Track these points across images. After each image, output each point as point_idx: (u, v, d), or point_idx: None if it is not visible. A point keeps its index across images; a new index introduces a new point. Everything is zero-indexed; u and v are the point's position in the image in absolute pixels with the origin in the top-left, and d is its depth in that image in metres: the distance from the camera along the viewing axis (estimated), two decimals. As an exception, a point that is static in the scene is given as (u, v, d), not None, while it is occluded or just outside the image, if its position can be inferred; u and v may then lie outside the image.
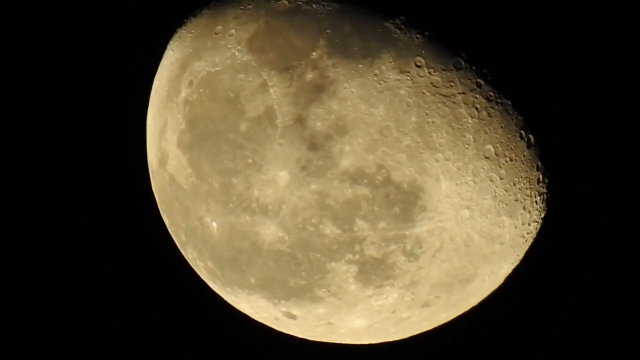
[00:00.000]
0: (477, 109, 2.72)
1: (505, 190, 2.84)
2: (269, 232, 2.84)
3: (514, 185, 2.86)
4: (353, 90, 2.67)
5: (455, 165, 2.72)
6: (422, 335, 3.38)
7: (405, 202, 2.73)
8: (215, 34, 2.92)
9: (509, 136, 2.80)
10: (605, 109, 3.42)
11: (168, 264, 4.31)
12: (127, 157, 4.68)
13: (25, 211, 4.99)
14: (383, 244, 2.79)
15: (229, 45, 2.86)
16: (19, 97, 4.86)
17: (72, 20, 4.79)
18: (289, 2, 2.79)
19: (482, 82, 2.72)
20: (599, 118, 3.25)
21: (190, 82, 2.96)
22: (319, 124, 2.69)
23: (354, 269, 2.84)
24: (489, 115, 2.75)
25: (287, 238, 2.82)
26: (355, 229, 2.76)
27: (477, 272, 3.00)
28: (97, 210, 5.03)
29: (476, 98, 2.72)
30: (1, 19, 4.72)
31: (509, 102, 2.78)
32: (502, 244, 2.96)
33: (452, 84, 2.69)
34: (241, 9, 2.88)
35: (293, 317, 3.13)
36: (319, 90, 2.69)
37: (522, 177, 2.88)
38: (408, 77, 2.67)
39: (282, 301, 3.04)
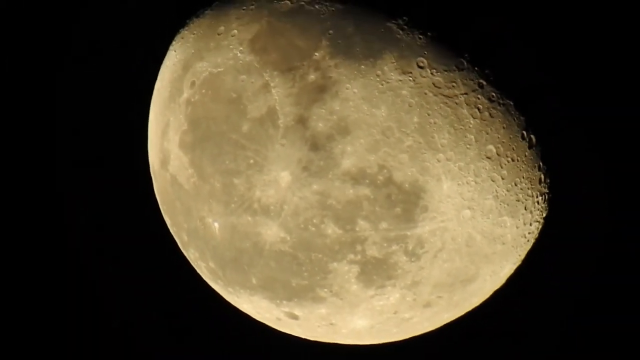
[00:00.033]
0: (479, 109, 2.72)
1: (507, 191, 2.85)
2: (271, 232, 2.84)
3: (516, 185, 2.87)
4: (355, 90, 2.67)
5: (457, 165, 2.72)
6: (424, 335, 3.38)
7: (407, 202, 2.73)
8: (218, 34, 2.92)
9: (511, 136, 2.81)
10: (605, 109, 3.41)
11: (169, 265, 4.31)
12: (127, 157, 4.68)
13: (25, 211, 4.98)
14: (385, 244, 2.79)
15: (231, 46, 2.86)
16: (19, 97, 4.85)
17: (72, 20, 4.78)
18: (291, 3, 2.79)
19: (485, 83, 2.73)
20: (599, 118, 3.25)
21: (193, 83, 2.95)
22: (320, 124, 2.69)
23: (355, 269, 2.84)
24: (491, 115, 2.75)
25: (288, 238, 2.82)
26: (357, 229, 2.76)
27: (479, 272, 3.00)
28: (97, 211, 5.02)
29: (478, 99, 2.72)
30: (1, 19, 4.71)
31: (511, 103, 2.78)
32: (503, 244, 2.96)
33: (454, 84, 2.70)
34: (244, 10, 2.88)
35: (295, 317, 3.13)
36: (321, 90, 2.69)
37: (523, 177, 2.88)
38: (410, 78, 2.67)
39: (284, 301, 3.04)
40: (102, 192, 4.95)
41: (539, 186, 2.96)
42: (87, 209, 5.00)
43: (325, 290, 2.92)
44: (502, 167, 2.80)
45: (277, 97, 2.73)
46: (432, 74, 2.68)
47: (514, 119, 2.80)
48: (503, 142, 2.78)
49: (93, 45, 4.87)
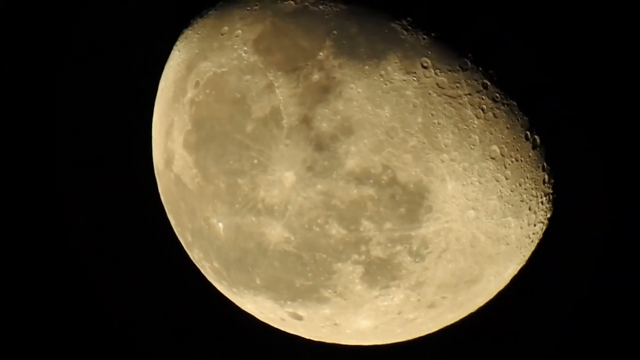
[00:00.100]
0: (483, 109, 2.73)
1: (511, 191, 2.85)
2: (275, 232, 2.84)
3: (520, 185, 2.87)
4: (359, 91, 2.67)
5: (461, 165, 2.73)
6: (428, 336, 3.38)
7: (411, 202, 2.73)
8: (222, 34, 2.92)
9: (515, 137, 2.81)
10: (605, 109, 3.42)
11: (173, 265, 4.30)
12: (128, 157, 4.69)
13: (25, 211, 4.97)
14: (389, 245, 2.79)
15: (235, 46, 2.85)
16: (19, 97, 4.84)
17: (72, 20, 4.77)
18: (295, 3, 2.79)
19: (489, 83, 2.73)
20: (599, 118, 3.26)
21: (197, 83, 2.95)
22: (324, 124, 2.68)
23: (359, 269, 2.84)
24: (495, 116, 2.75)
25: (293, 239, 2.82)
26: (361, 229, 2.76)
27: (483, 273, 3.00)
28: (97, 211, 5.01)
29: (482, 99, 2.73)
30: (1, 19, 4.70)
31: (515, 103, 2.79)
32: (507, 244, 2.96)
33: (458, 84, 2.70)
34: (248, 10, 2.88)
35: (299, 317, 3.13)
36: (325, 91, 2.69)
37: (527, 177, 2.89)
38: (414, 78, 2.67)
39: (288, 302, 3.04)
40: (102, 192, 4.94)
41: (543, 186, 2.97)
42: (88, 209, 4.99)
43: (330, 290, 2.92)
44: (506, 168, 2.80)
45: (281, 97, 2.73)
46: (436, 74, 2.68)
47: (518, 119, 2.80)
48: (507, 142, 2.79)
49: (93, 45, 4.86)
